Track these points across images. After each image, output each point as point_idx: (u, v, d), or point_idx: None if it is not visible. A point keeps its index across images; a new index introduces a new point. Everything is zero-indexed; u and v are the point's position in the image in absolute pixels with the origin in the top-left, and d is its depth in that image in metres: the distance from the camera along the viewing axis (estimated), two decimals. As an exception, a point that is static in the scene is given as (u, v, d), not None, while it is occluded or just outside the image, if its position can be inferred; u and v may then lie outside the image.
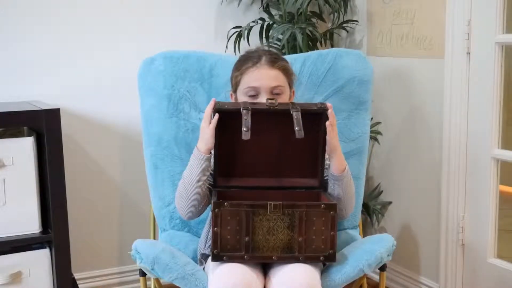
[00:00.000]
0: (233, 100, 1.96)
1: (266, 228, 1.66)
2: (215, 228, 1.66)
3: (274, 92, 1.85)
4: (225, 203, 1.65)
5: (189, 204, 1.83)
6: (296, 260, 1.67)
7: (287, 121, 1.74)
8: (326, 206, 1.67)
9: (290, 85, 1.93)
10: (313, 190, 1.85)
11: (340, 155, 1.81)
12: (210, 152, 1.79)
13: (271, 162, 1.84)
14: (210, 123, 1.75)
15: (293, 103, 1.77)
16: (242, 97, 1.88)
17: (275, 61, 1.88)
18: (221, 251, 1.67)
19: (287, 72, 1.90)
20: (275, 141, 1.82)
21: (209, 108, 1.77)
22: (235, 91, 1.93)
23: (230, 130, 1.77)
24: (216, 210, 1.65)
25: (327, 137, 1.77)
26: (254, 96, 1.85)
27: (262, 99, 1.83)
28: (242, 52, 2.00)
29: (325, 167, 1.85)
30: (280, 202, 1.66)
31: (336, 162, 1.81)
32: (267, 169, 1.85)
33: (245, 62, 1.89)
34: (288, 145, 1.80)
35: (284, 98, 1.87)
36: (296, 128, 1.70)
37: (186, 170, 1.83)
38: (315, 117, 1.76)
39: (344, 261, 1.80)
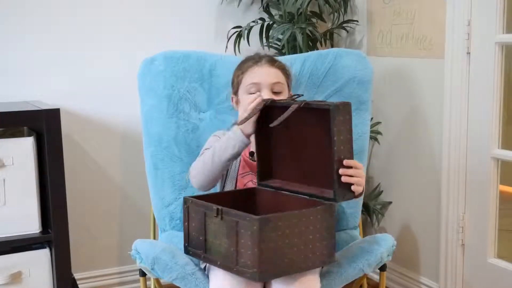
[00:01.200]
0: (233, 103, 2.00)
1: (213, 232, 1.63)
2: (185, 223, 1.71)
3: (274, 90, 1.90)
4: (191, 200, 1.69)
5: (208, 175, 1.82)
6: (231, 270, 1.60)
7: (314, 123, 1.69)
8: (253, 220, 1.51)
9: (289, 86, 1.98)
10: (328, 200, 1.66)
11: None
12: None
13: (297, 165, 1.78)
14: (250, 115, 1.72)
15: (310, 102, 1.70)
16: (244, 96, 1.92)
17: (275, 60, 1.96)
18: (189, 246, 1.71)
19: (286, 72, 1.97)
20: (304, 144, 1.75)
21: (254, 103, 1.73)
22: (236, 92, 1.96)
23: (269, 128, 1.75)
24: (185, 205, 1.70)
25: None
26: (256, 93, 1.88)
27: (263, 93, 1.87)
28: (242, 56, 2.05)
29: None
30: (221, 208, 1.61)
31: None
32: (293, 172, 1.78)
33: (246, 62, 1.96)
34: (313, 150, 1.70)
35: (284, 96, 1.92)
36: (279, 118, 1.67)
37: (219, 143, 1.79)
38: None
39: (344, 261, 1.80)
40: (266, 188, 1.80)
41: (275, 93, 1.89)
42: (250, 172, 1.93)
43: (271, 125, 1.68)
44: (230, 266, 1.59)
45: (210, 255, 1.65)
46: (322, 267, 1.81)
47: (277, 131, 1.74)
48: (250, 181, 1.93)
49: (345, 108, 1.60)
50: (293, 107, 1.66)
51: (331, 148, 1.59)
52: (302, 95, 1.86)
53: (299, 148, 1.74)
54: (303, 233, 1.57)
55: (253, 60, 1.95)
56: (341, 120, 1.59)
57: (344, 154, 1.60)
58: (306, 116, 1.68)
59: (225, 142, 1.78)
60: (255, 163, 1.88)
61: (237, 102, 1.97)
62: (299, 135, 1.72)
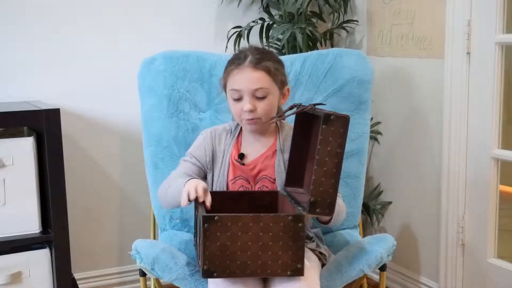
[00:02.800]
0: (228, 99, 1.88)
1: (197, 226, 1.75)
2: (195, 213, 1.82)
3: (257, 95, 1.77)
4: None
5: (166, 205, 1.87)
6: (198, 265, 1.71)
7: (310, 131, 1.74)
8: (201, 217, 1.54)
9: (280, 85, 1.82)
10: (302, 210, 1.64)
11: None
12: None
13: (303, 172, 1.80)
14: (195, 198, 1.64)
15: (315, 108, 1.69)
16: (228, 98, 1.83)
17: (259, 61, 1.78)
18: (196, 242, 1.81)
19: (271, 72, 1.79)
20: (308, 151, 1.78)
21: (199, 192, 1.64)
22: (224, 91, 1.87)
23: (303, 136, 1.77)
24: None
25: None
26: (238, 99, 1.79)
27: (244, 101, 1.78)
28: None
29: None
30: (198, 204, 1.68)
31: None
32: (302, 179, 1.80)
33: (231, 63, 1.82)
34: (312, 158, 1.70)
35: (271, 100, 1.79)
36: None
37: (174, 186, 1.75)
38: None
39: (344, 261, 1.80)
40: (284, 194, 1.79)
41: (258, 98, 1.77)
42: (241, 177, 1.86)
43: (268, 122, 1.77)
44: (198, 261, 1.68)
45: (196, 249, 1.76)
46: (322, 268, 1.81)
47: (305, 139, 1.76)
48: (241, 186, 1.85)
49: (338, 119, 1.57)
50: (298, 110, 1.71)
51: (314, 157, 1.59)
52: (325, 104, 1.75)
53: (310, 155, 1.76)
54: (261, 238, 1.55)
55: (237, 62, 1.79)
56: (331, 130, 1.57)
57: (328, 166, 1.58)
58: (317, 124, 1.69)
59: (174, 192, 1.72)
60: (244, 166, 1.85)
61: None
62: (311, 142, 1.75)
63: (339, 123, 1.57)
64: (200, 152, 1.89)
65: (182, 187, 1.66)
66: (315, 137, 1.66)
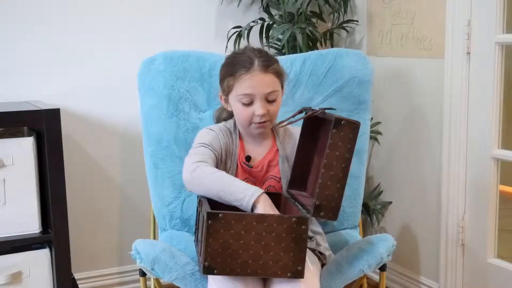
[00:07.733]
0: (223, 102, 1.89)
1: (200, 222, 1.76)
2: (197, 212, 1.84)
3: (268, 99, 1.79)
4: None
5: (200, 192, 1.74)
6: (198, 261, 1.72)
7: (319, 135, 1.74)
8: (205, 213, 1.54)
9: (282, 87, 1.86)
10: (306, 212, 1.64)
11: None
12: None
13: (308, 175, 1.81)
14: None
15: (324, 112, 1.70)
16: (234, 103, 1.82)
17: (268, 64, 1.80)
18: (196, 239, 1.82)
19: (280, 74, 1.83)
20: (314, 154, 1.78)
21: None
22: (227, 94, 1.86)
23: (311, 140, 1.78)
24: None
25: None
26: (248, 104, 1.79)
27: (257, 106, 1.78)
28: (229, 53, 1.92)
29: None
30: (202, 199, 1.71)
31: None
32: (307, 181, 1.81)
33: (237, 66, 1.81)
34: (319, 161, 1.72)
35: (279, 101, 1.83)
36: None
37: (234, 186, 1.67)
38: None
39: (344, 261, 1.80)
40: (287, 196, 1.80)
41: (269, 101, 1.79)
42: (249, 178, 1.86)
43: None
44: (199, 257, 1.68)
45: (196, 246, 1.77)
46: (322, 268, 1.81)
47: (312, 141, 1.77)
48: None
49: (348, 125, 1.58)
50: (304, 114, 1.73)
51: (322, 160, 1.59)
52: (335, 109, 1.74)
53: (317, 158, 1.76)
54: (263, 238, 1.54)
55: (245, 66, 1.78)
56: (341, 135, 1.57)
57: (335, 171, 1.58)
58: (326, 128, 1.69)
59: (236, 192, 1.66)
60: (251, 169, 1.86)
61: (227, 101, 1.88)
62: (318, 145, 1.76)
63: (349, 129, 1.58)
64: (217, 146, 1.85)
65: (250, 195, 1.63)
66: (323, 141, 1.66)
